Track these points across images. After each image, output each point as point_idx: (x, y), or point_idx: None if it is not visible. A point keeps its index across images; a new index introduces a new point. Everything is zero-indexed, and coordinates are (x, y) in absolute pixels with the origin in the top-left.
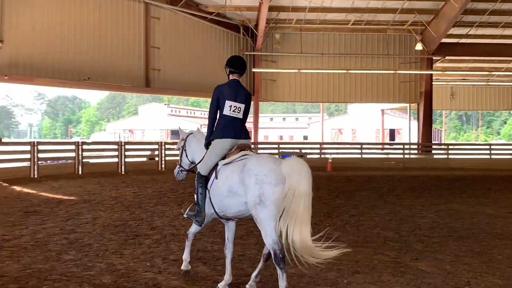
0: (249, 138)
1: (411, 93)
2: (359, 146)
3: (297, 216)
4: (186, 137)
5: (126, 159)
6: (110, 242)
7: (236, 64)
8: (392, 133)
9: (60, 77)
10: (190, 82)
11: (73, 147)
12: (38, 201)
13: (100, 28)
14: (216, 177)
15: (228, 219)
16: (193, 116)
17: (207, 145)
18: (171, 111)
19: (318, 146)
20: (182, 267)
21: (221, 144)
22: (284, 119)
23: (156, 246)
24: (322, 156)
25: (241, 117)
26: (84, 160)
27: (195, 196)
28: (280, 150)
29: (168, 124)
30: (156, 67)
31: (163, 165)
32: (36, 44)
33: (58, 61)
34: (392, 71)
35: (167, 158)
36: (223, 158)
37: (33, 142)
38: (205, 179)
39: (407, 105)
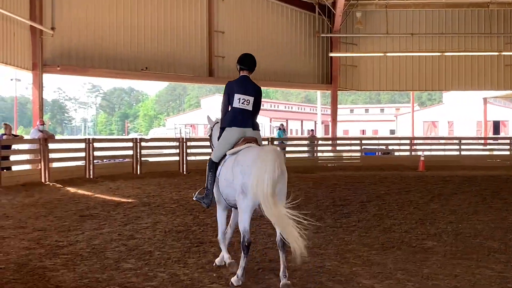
0: (258, 129)
1: None
2: (457, 141)
3: (266, 197)
4: (213, 126)
5: (188, 158)
6: (172, 249)
7: (245, 61)
8: (496, 126)
9: (115, 67)
10: (258, 70)
11: (130, 144)
12: (94, 204)
13: (158, 13)
14: (222, 165)
15: (234, 207)
16: (261, 108)
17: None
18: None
19: (407, 141)
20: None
21: (229, 133)
22: (366, 110)
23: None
24: (413, 153)
25: (251, 109)
26: (142, 159)
27: (206, 179)
28: (363, 147)
29: None
30: (220, 54)
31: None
32: (89, 32)
33: (113, 50)
34: (496, 53)
35: None
36: (232, 147)
37: (88, 139)
38: (215, 166)
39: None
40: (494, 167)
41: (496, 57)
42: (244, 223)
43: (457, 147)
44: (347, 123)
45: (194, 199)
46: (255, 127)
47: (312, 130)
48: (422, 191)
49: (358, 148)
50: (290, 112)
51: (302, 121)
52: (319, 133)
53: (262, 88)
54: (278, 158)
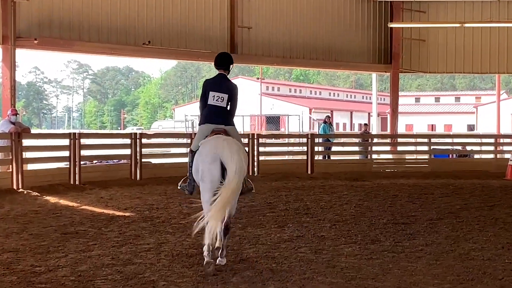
0: (231, 124)
1: None
2: None
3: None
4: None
5: None
6: (182, 279)
7: (218, 61)
8: None
9: (109, 40)
10: (294, 45)
11: (128, 141)
12: (81, 218)
13: None
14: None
15: None
16: (298, 95)
17: None
18: (267, 88)
19: (491, 140)
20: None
21: (202, 128)
22: (437, 99)
23: (248, 286)
24: (499, 156)
25: (224, 106)
26: (143, 160)
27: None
28: (432, 147)
29: (262, 107)
30: (245, 24)
31: (255, 168)
32: None
33: (107, 19)
34: None
35: (261, 158)
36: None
37: (73, 134)
38: (192, 155)
39: None
40: None
41: None
42: (203, 205)
43: None
44: (412, 115)
45: (178, 187)
46: (228, 122)
47: (365, 124)
48: (510, 205)
49: (425, 148)
50: (336, 101)
51: (351, 113)
52: (375, 129)
53: (300, 68)
54: (218, 148)
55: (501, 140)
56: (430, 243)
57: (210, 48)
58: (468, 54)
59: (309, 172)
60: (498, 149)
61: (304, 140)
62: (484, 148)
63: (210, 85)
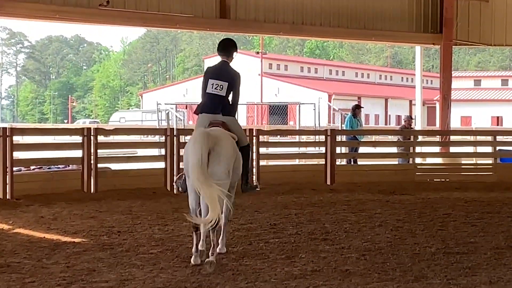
0: (231, 114)
1: None
2: None
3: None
4: None
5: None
6: None
7: (220, 47)
8: None
9: (52, 1)
10: (308, 7)
11: (78, 138)
12: (14, 246)
13: None
14: None
15: None
16: (313, 76)
17: None
18: (270, 66)
19: None
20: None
21: (200, 119)
22: (504, 82)
23: None
24: None
25: (224, 95)
26: (100, 166)
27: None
28: (498, 148)
29: (263, 92)
30: None
31: (254, 176)
32: None
33: None
34: None
35: (262, 163)
36: None
37: (3, 129)
38: None
39: None
40: None
41: None
42: (190, 202)
43: None
44: (470, 104)
45: (173, 184)
46: (227, 113)
47: (409, 117)
48: None
49: (489, 149)
50: (366, 84)
51: (386, 101)
52: (418, 123)
53: (315, 38)
54: (199, 143)
55: None
56: (496, 281)
57: (192, 11)
58: None
59: (328, 182)
60: None
61: (322, 138)
62: None
63: (210, 73)
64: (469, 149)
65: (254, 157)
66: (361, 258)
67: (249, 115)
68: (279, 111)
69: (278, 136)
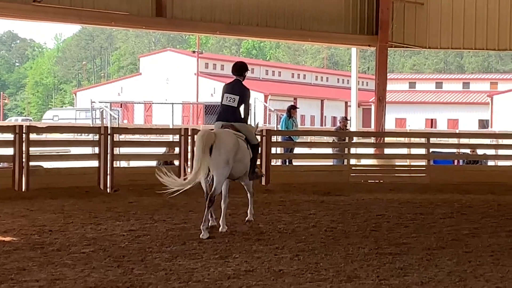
0: (240, 121)
1: None
2: None
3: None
4: None
5: (122, 163)
6: None
7: (234, 69)
8: None
9: None
10: (245, 7)
11: (10, 136)
12: None
13: None
14: None
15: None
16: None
17: None
18: (206, 66)
19: (511, 142)
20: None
21: (216, 124)
22: (439, 84)
23: None
24: None
25: (236, 106)
26: (32, 164)
27: None
28: (431, 150)
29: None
30: None
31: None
32: None
33: None
34: None
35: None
36: None
37: None
38: None
39: None
40: None
41: None
42: (203, 186)
43: None
44: (405, 106)
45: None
46: (237, 119)
47: (343, 118)
48: None
49: (422, 151)
50: (302, 85)
51: (322, 102)
52: (354, 125)
53: (252, 38)
54: (203, 141)
55: None
56: (427, 281)
57: (128, 9)
58: (481, 24)
59: (263, 183)
60: None
61: (258, 138)
62: (501, 152)
63: (225, 88)
64: (403, 150)
65: (189, 156)
66: (295, 258)
67: (184, 115)
68: (215, 111)
69: None
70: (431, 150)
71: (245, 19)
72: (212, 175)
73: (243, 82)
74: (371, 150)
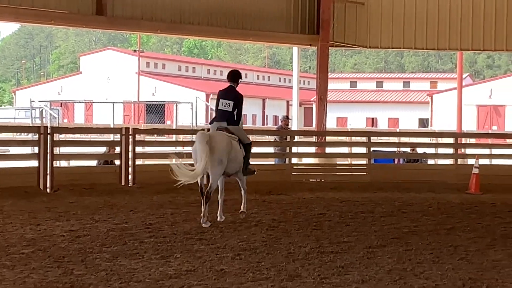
0: (234, 124)
1: None
2: None
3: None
4: None
5: (62, 162)
6: None
7: (229, 76)
8: None
9: None
10: (186, 6)
11: None
12: None
13: None
14: None
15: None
16: (191, 76)
17: None
18: (147, 65)
19: (451, 140)
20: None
21: (212, 126)
22: (379, 84)
23: None
24: (460, 161)
25: (230, 110)
26: None
27: None
28: (372, 149)
29: (140, 91)
30: None
31: (129, 175)
32: None
33: None
34: None
35: (138, 162)
36: None
37: None
38: None
39: None
40: None
41: None
42: (198, 181)
43: None
44: (346, 105)
45: None
46: (231, 122)
47: (285, 117)
48: (475, 229)
49: (363, 150)
50: (244, 84)
51: (264, 101)
52: (295, 124)
53: (193, 37)
54: (202, 142)
55: (464, 141)
56: (368, 279)
57: (67, 7)
58: (421, 24)
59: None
60: (459, 152)
61: None
62: (441, 151)
63: (221, 95)
64: (344, 149)
65: (130, 156)
66: (236, 257)
67: (125, 114)
68: (156, 110)
69: (155, 135)
70: (371, 149)
71: (187, 18)
72: (207, 173)
73: (237, 88)
74: (312, 149)
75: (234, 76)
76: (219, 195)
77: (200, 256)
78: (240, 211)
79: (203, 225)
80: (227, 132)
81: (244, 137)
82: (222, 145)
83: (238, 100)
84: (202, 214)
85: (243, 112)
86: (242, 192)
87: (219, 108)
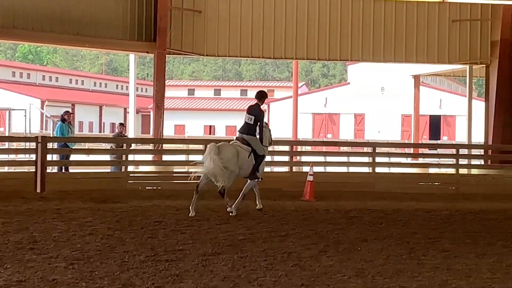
0: (251, 135)
1: (474, 44)
2: (369, 149)
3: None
4: None
5: None
6: None
7: (257, 95)
8: (435, 124)
9: None
10: (20, 10)
11: None
12: None
13: None
14: None
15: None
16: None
17: None
18: None
19: (286, 148)
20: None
21: (237, 136)
22: (217, 91)
23: None
24: (295, 169)
25: (252, 123)
26: None
27: None
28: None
29: None
30: None
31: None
32: None
33: None
34: None
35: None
36: None
37: None
38: None
39: (465, 68)
40: (429, 196)
41: (438, 6)
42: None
43: (369, 159)
44: (184, 113)
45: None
46: (250, 133)
47: (121, 124)
48: (309, 235)
49: (201, 158)
50: (80, 91)
51: (101, 108)
52: (132, 131)
53: (27, 43)
54: (211, 152)
55: (299, 148)
56: (202, 287)
57: None
58: (258, 33)
59: (38, 190)
60: (294, 160)
61: (33, 145)
62: (276, 158)
63: (248, 110)
64: (182, 157)
65: None
66: (69, 267)
67: None
68: None
69: None
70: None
71: (20, 23)
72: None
73: (261, 106)
74: (149, 157)
75: (261, 96)
76: (227, 197)
77: (32, 266)
78: (257, 208)
79: (231, 214)
80: (242, 142)
81: (259, 149)
82: (228, 155)
83: (258, 115)
84: (226, 203)
85: (80, 120)
86: (255, 190)
87: (245, 121)
